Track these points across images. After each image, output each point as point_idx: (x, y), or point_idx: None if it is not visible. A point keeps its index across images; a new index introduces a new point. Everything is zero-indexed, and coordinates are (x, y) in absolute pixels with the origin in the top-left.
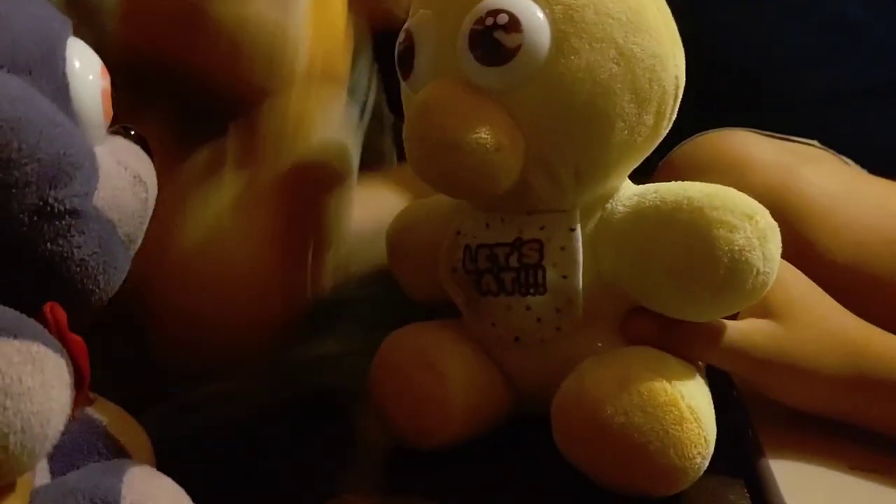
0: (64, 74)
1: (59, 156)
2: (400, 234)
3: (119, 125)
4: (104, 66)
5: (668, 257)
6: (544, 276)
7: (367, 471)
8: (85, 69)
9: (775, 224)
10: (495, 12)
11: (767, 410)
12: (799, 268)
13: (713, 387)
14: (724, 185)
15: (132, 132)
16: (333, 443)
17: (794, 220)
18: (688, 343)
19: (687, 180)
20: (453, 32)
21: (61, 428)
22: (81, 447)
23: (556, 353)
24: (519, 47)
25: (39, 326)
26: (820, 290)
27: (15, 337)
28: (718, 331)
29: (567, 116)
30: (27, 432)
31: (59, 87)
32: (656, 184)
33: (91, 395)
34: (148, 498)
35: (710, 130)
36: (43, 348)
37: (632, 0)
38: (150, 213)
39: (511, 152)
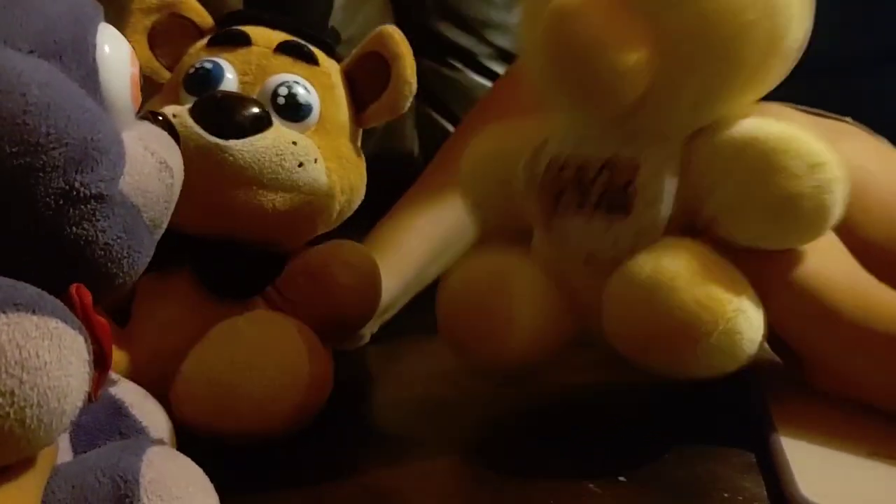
0: (94, 60)
1: (86, 140)
2: (476, 160)
3: (147, 111)
4: (133, 53)
5: (734, 187)
6: (632, 197)
7: (381, 461)
8: (114, 55)
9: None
10: None
11: (784, 394)
12: None
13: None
14: None
15: (160, 118)
16: (349, 429)
17: None
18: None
19: None
20: None
21: (80, 404)
22: (103, 427)
23: None
24: None
25: (59, 303)
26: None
27: (34, 312)
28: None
29: (704, 49)
30: (44, 406)
31: (88, 73)
32: (756, 119)
33: (113, 375)
34: (167, 476)
35: None
36: (61, 324)
37: None
38: (175, 198)
39: (645, 70)
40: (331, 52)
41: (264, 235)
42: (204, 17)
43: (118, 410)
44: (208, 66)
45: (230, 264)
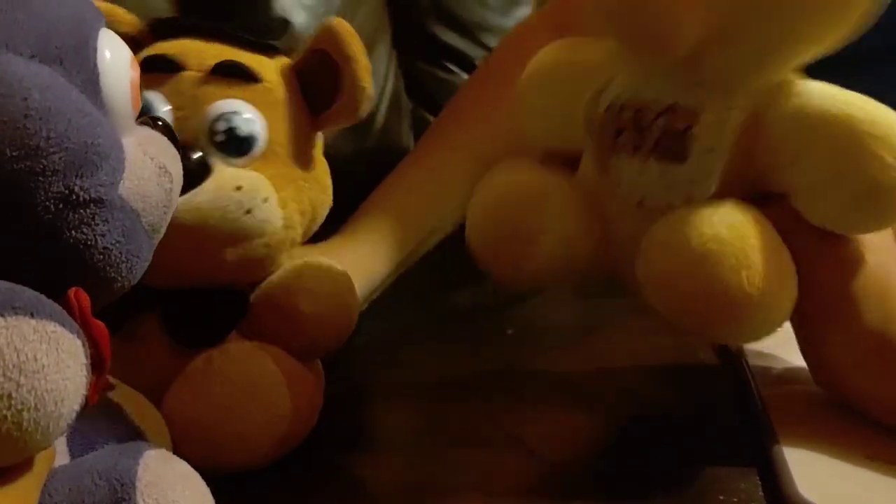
0: (95, 65)
1: (86, 145)
2: (541, 70)
3: (147, 115)
4: (134, 58)
5: (820, 164)
6: (690, 145)
7: (389, 460)
8: (115, 60)
9: None
10: None
11: (784, 400)
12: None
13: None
14: None
15: (160, 122)
16: (354, 431)
17: None
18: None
19: None
20: None
21: (77, 408)
22: (100, 430)
23: None
24: None
25: (57, 307)
26: None
27: (32, 316)
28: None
29: (764, 8)
30: (41, 410)
31: (89, 78)
32: (829, 86)
33: (111, 379)
34: (163, 479)
35: None
36: (59, 328)
37: None
38: (174, 203)
39: (702, 17)
40: (275, 52)
41: (222, 281)
42: (132, 25)
43: (116, 415)
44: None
45: (195, 315)
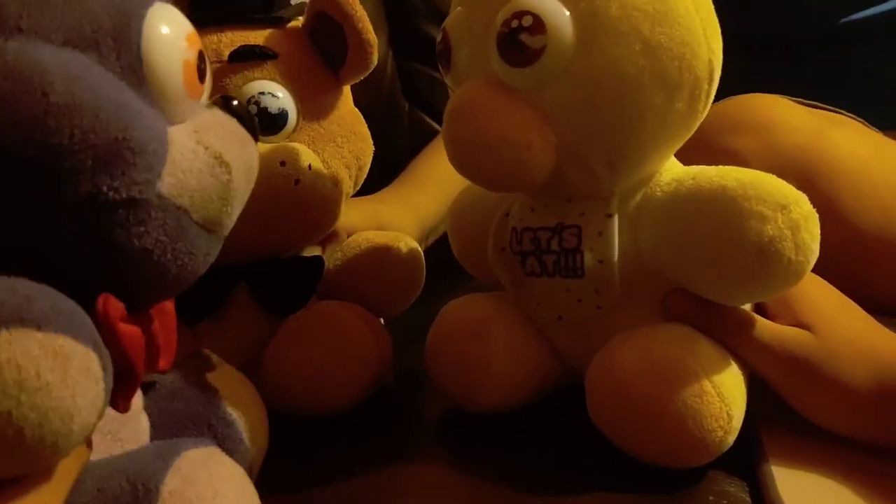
0: (138, 48)
1: (116, 141)
2: (459, 214)
3: (219, 96)
4: (194, 34)
5: (702, 244)
6: (582, 260)
7: (424, 440)
8: (165, 41)
9: (812, 212)
10: (520, 14)
11: (773, 417)
12: (824, 229)
13: None
14: (751, 145)
15: (234, 102)
16: (390, 414)
17: (821, 182)
18: (721, 327)
19: (714, 141)
20: (485, 32)
21: (93, 421)
22: (195, 417)
23: (598, 330)
24: (544, 48)
25: (76, 318)
26: (848, 300)
27: (39, 329)
28: (751, 323)
29: (596, 112)
30: (45, 427)
31: (130, 63)
32: (696, 167)
33: (214, 358)
34: (192, 486)
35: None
36: (69, 342)
37: None
38: (238, 192)
39: (542, 149)
40: (283, 21)
41: (295, 246)
42: None
43: (211, 400)
44: None
45: (279, 283)
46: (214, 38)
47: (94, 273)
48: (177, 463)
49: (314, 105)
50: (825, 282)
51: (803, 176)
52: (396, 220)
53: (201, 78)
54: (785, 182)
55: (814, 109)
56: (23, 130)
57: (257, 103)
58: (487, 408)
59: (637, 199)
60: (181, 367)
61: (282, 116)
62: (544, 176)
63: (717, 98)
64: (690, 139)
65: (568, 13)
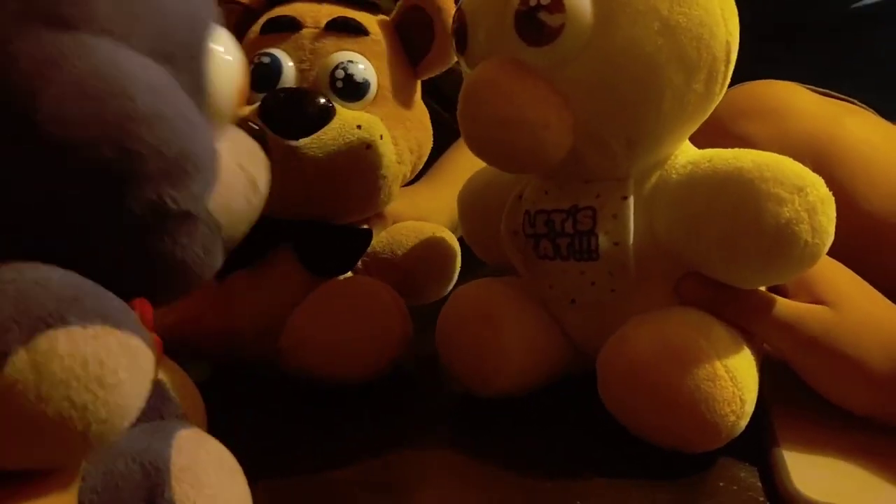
0: (204, 67)
1: (183, 154)
2: (470, 198)
3: (240, 118)
4: (245, 62)
5: (717, 226)
6: (597, 243)
7: (432, 424)
8: (226, 63)
9: (829, 195)
10: None
11: (784, 402)
12: (837, 216)
13: None
14: (764, 131)
15: (256, 126)
16: (400, 398)
17: (834, 168)
18: (738, 309)
19: (727, 127)
20: (502, 12)
21: (133, 420)
22: (147, 410)
23: (611, 313)
24: (562, 26)
25: (137, 319)
26: (862, 280)
27: (118, 327)
28: (770, 303)
29: (613, 91)
30: (108, 423)
31: (196, 80)
32: (712, 150)
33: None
34: (197, 462)
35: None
36: (141, 343)
37: None
38: (256, 216)
39: (559, 128)
40: (377, 9)
41: (348, 213)
42: None
43: (161, 393)
44: (266, 59)
45: (326, 247)
46: (314, 6)
47: (132, 278)
48: (176, 442)
49: (392, 88)
50: (839, 262)
51: (816, 163)
52: (432, 213)
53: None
54: (801, 165)
55: (827, 97)
56: (105, 130)
57: (345, 69)
58: (498, 391)
59: (652, 182)
60: None
61: (365, 86)
62: (561, 155)
63: (730, 84)
64: (704, 124)
65: None
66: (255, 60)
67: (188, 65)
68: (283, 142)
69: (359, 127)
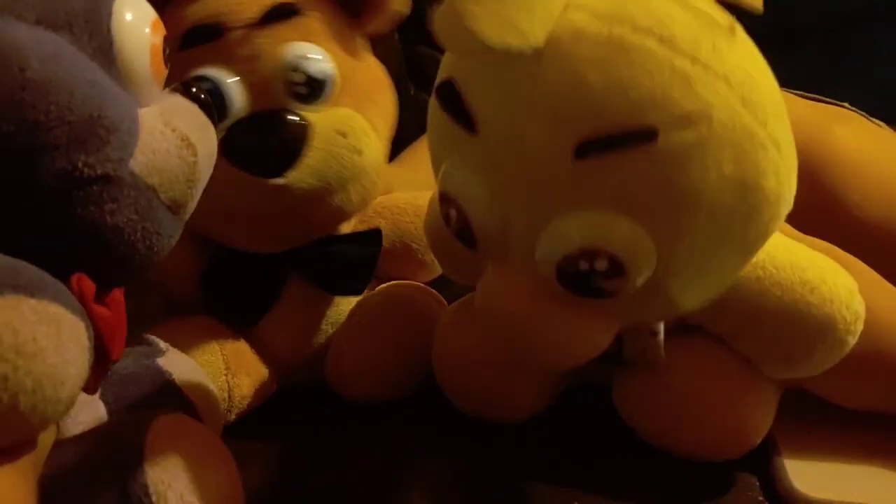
0: (109, 30)
1: (91, 118)
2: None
3: (179, 82)
4: (157, 20)
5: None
6: (622, 360)
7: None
8: (133, 25)
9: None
10: (591, 254)
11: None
12: (828, 224)
13: None
14: None
15: (193, 89)
16: (396, 398)
17: (824, 176)
18: None
19: None
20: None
21: (77, 392)
22: (150, 403)
23: None
24: (622, 289)
25: (62, 287)
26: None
27: (32, 295)
28: None
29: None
30: (38, 393)
31: (101, 45)
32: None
33: (162, 345)
34: (175, 448)
35: None
36: (61, 309)
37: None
38: (201, 176)
39: (607, 340)
40: None
41: (347, 220)
42: None
43: (167, 385)
44: (205, 85)
45: (338, 264)
46: (234, 1)
47: (66, 251)
48: (154, 426)
49: (347, 61)
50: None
51: (808, 171)
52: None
53: (165, 63)
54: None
55: (816, 103)
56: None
57: (302, 70)
58: (517, 421)
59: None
60: (130, 354)
61: (326, 81)
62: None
63: None
64: None
65: (651, 240)
66: (193, 89)
67: (89, 30)
68: (268, 183)
69: (343, 134)
